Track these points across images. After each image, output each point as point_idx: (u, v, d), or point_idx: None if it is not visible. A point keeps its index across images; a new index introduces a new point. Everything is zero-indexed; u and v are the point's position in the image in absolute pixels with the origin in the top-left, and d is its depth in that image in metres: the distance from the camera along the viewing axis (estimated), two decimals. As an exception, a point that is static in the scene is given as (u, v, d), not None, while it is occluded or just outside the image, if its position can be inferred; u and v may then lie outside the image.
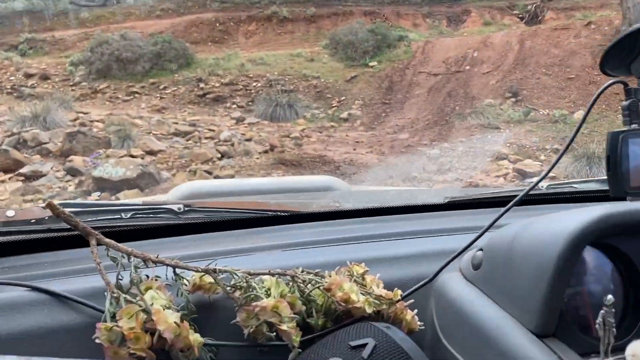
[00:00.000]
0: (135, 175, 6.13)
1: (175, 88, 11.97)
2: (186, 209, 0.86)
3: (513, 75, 10.48)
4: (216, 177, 6.99)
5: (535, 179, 0.70)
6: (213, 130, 9.71)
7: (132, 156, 7.71)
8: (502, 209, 0.70)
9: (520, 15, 16.05)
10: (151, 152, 8.02)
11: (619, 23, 10.51)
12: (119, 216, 0.83)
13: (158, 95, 11.79)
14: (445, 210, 1.01)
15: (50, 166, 7.12)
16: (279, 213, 0.91)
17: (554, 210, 0.81)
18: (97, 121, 10.07)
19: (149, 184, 6.26)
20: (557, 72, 10.26)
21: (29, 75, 13.33)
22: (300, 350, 0.62)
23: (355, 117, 10.39)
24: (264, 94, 11.06)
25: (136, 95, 11.94)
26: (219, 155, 8.16)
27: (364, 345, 0.57)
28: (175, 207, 0.86)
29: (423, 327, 0.70)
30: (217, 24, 16.28)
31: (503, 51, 11.42)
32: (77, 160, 6.89)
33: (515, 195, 0.98)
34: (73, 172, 6.77)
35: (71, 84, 12.79)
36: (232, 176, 7.04)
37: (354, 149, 8.52)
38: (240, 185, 1.74)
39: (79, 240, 0.75)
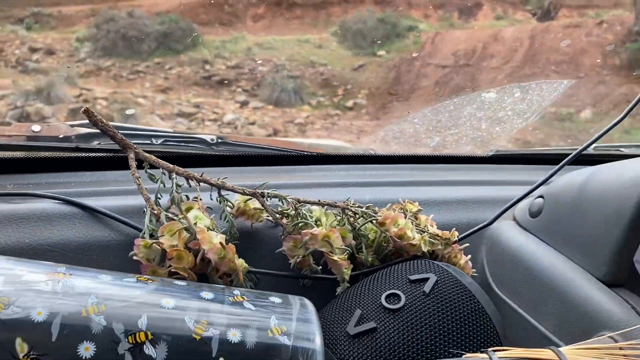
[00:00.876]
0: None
1: (180, 69, 11.84)
2: (219, 140, 0.83)
3: (522, 72, 10.34)
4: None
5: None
6: (217, 113, 9.65)
7: (136, 133, 7.67)
8: (555, 167, 0.67)
9: (533, 12, 15.92)
10: (155, 131, 7.97)
11: (632, 23, 10.39)
12: (149, 141, 0.78)
13: (163, 75, 11.68)
14: (490, 163, 0.98)
15: (53, 140, 7.06)
16: (315, 154, 0.87)
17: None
18: (101, 98, 9.99)
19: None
20: (566, 70, 10.12)
21: (33, 50, 13.18)
22: (348, 284, 0.58)
23: (361, 106, 10.29)
24: (269, 78, 10.96)
25: (141, 74, 11.82)
26: (223, 137, 8.10)
27: (425, 280, 0.53)
28: (208, 138, 0.83)
29: (476, 274, 0.66)
30: (226, 6, 16.10)
31: (513, 46, 11.27)
32: (80, 135, 6.84)
33: (564, 154, 0.95)
34: (76, 146, 6.73)
35: (76, 60, 12.65)
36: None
37: (358, 138, 8.46)
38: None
39: (111, 162, 0.71)
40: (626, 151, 0.99)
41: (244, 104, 11.37)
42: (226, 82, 12.12)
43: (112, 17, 14.12)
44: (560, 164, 0.66)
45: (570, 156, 0.66)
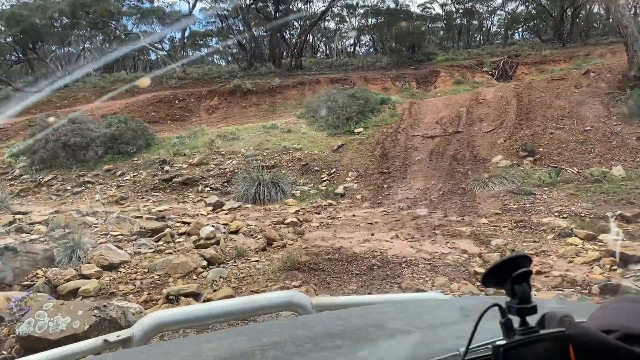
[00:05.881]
0: (88, 326, 3.41)
1: (135, 173, 9.24)
2: None
3: (521, 132, 8.55)
4: (206, 301, 4.43)
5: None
6: (187, 223, 7.02)
7: (84, 276, 4.97)
8: None
9: (491, 72, 14.61)
10: (110, 267, 5.28)
11: (623, 68, 8.94)
12: None
13: (115, 183, 9.02)
14: None
15: (-44, 312, 4.23)
16: None
17: None
18: (39, 223, 7.17)
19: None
20: (569, 124, 8.43)
21: (-44, 172, 10.22)
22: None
23: (353, 191, 8.02)
24: (241, 172, 8.54)
25: (89, 185, 9.10)
26: (204, 263, 5.48)
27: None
28: None
29: None
30: (176, 101, 13.75)
31: (500, 107, 9.56)
32: (-5, 302, 4.07)
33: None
34: (-11, 321, 3.94)
35: (9, 177, 9.80)
36: (232, 297, 4.46)
37: (372, 234, 6.08)
38: (207, 310, 1.31)
39: None
40: None
41: (216, 206, 8.59)
42: (191, 182, 9.34)
43: (50, 125, 10.94)
44: None
45: None
